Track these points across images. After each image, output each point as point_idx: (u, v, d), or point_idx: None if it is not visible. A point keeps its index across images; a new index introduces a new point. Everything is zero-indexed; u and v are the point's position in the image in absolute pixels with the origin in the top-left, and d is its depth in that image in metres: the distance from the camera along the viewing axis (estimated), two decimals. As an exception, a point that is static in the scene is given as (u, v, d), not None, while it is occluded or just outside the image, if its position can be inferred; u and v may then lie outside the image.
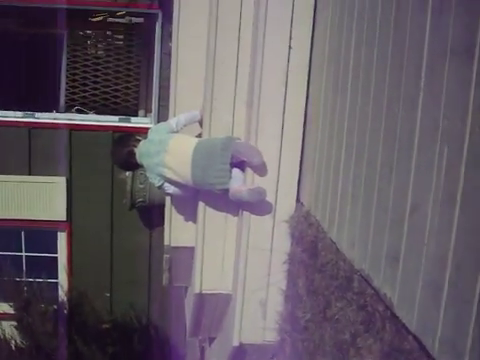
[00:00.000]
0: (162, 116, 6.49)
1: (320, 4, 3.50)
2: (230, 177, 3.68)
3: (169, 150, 3.87)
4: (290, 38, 3.60)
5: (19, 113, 6.85)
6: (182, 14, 4.28)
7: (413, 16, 2.17)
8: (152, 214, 6.60)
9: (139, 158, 3.99)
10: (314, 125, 3.48)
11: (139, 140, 4.10)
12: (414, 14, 2.17)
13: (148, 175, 4.08)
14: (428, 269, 1.96)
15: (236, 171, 3.69)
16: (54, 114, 7.08)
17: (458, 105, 1.81)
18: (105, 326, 6.52)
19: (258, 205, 3.66)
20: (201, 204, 4.00)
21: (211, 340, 4.90)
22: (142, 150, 3.99)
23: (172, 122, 4.06)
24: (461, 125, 1.78)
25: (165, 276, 4.84)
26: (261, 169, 3.64)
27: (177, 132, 4.02)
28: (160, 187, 4.04)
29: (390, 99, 2.35)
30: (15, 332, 6.10)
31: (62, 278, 7.12)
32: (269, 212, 3.69)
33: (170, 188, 4.01)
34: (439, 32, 1.95)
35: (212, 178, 3.70)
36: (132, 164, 4.12)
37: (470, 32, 1.75)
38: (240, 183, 3.69)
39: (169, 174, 3.88)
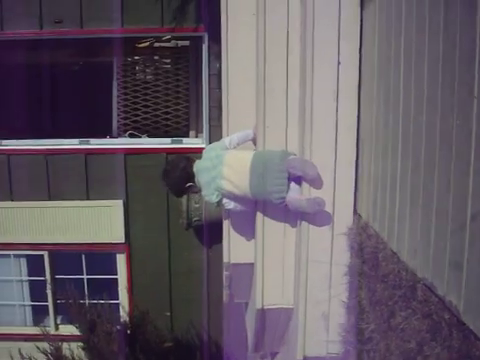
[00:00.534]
0: (213, 136, 6.60)
1: (366, 17, 3.56)
2: (288, 186, 3.74)
3: (226, 162, 3.95)
4: (338, 53, 3.66)
5: (75, 140, 7.08)
6: (230, 35, 4.39)
7: (462, 25, 2.21)
8: (208, 233, 6.70)
9: (196, 175, 4.06)
10: (368, 137, 3.52)
11: (192, 160, 4.18)
12: (463, 23, 2.20)
13: (204, 193, 4.10)
14: (494, 275, 1.98)
15: (293, 184, 3.76)
16: (108, 140, 7.28)
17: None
18: (168, 345, 6.61)
19: (316, 218, 3.72)
20: (259, 218, 4.06)
21: (273, 355, 4.94)
22: (199, 167, 4.07)
23: (226, 141, 4.15)
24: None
25: (225, 293, 4.92)
26: (317, 182, 3.69)
27: (230, 150, 4.12)
28: (218, 203, 4.10)
29: (444, 108, 2.38)
30: (82, 353, 6.26)
31: (123, 299, 7.28)
32: (327, 225, 3.74)
33: (229, 203, 4.07)
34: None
35: (270, 186, 3.76)
36: (187, 180, 4.12)
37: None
38: (298, 194, 3.75)
39: (227, 186, 3.95)
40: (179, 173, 4.14)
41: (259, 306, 4.15)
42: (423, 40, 2.60)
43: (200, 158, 4.15)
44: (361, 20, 3.59)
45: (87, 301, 6.77)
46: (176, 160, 4.31)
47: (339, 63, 3.66)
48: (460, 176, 2.21)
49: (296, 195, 3.75)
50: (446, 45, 2.36)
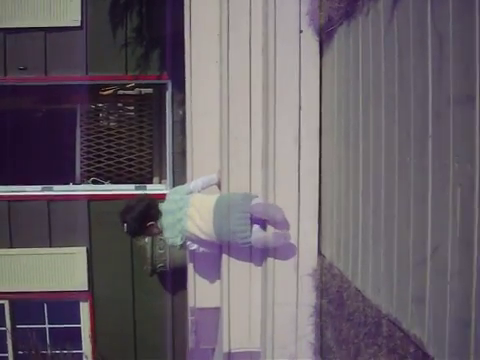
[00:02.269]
0: (177, 182, 6.64)
1: (325, 64, 3.70)
2: (252, 227, 3.79)
3: (192, 203, 3.98)
4: (299, 99, 3.78)
5: (38, 187, 7.04)
6: (194, 81, 4.48)
7: (415, 70, 2.33)
8: (173, 278, 6.66)
9: (161, 218, 4.03)
10: (329, 179, 3.62)
11: (155, 201, 4.15)
12: (417, 66, 2.33)
13: (168, 236, 4.04)
14: (454, 307, 2.05)
15: (257, 225, 3.81)
16: (71, 186, 7.25)
17: (466, 149, 1.94)
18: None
19: (281, 260, 3.76)
20: (225, 261, 4.08)
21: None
22: (163, 209, 4.05)
23: (190, 185, 4.20)
24: (470, 167, 1.90)
25: (191, 339, 4.87)
26: (284, 225, 3.75)
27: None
28: (182, 246, 4.09)
29: (401, 147, 2.49)
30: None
31: (86, 348, 7.14)
32: (292, 266, 3.78)
33: (193, 245, 4.06)
34: (440, 83, 2.10)
35: (234, 226, 3.80)
36: (149, 219, 4.04)
37: (469, 81, 1.89)
38: (262, 233, 3.80)
39: (192, 228, 3.94)
40: (143, 208, 4.03)
41: (226, 350, 4.13)
42: (379, 84, 2.73)
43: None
44: (320, 66, 3.73)
45: (49, 351, 6.62)
46: (140, 197, 4.31)
47: (300, 108, 3.78)
48: (419, 212, 2.30)
49: (261, 234, 3.80)
50: (401, 88, 2.49)
